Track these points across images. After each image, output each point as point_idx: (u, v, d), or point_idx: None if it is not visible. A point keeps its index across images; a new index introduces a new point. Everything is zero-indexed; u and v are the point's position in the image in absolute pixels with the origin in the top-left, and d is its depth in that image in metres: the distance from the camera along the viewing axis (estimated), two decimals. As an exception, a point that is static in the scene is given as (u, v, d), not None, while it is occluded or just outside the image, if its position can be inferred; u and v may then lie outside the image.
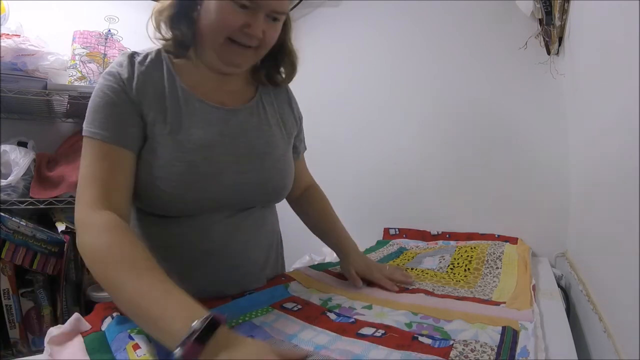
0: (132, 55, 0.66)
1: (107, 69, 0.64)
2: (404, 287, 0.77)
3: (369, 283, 0.80)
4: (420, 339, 0.53)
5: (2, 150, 1.13)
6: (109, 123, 0.60)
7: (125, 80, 0.62)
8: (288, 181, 0.75)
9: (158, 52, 0.69)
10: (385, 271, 0.80)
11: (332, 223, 0.87)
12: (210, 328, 0.40)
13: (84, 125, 0.61)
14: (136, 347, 0.44)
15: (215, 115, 0.67)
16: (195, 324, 0.40)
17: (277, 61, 0.76)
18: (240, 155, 0.67)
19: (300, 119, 0.86)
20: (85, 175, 0.58)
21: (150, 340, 0.46)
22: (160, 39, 0.67)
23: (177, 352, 0.38)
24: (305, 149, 0.90)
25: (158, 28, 0.67)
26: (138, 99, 0.62)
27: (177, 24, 0.65)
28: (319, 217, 0.88)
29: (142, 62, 0.65)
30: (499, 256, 0.92)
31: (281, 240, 0.85)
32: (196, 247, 0.66)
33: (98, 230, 0.52)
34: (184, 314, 0.42)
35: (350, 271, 0.79)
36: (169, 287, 0.46)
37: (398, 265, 0.98)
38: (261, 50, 0.67)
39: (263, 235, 0.76)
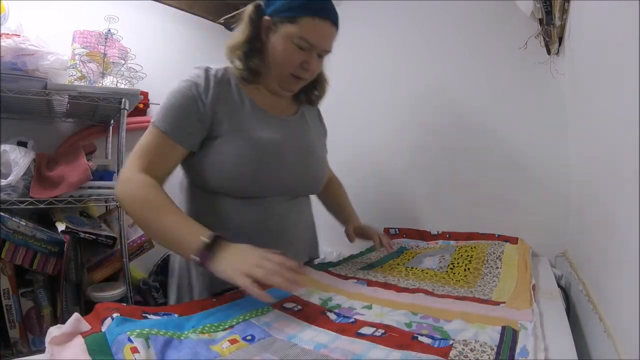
0: (207, 70, 0.82)
1: (186, 77, 0.80)
2: (400, 287, 0.77)
3: (369, 283, 0.80)
4: (420, 338, 0.53)
5: (2, 150, 1.12)
6: (173, 120, 0.76)
7: (202, 90, 0.79)
8: (326, 175, 0.98)
9: (226, 70, 0.84)
10: (376, 232, 1.01)
11: (342, 200, 1.12)
12: (214, 241, 0.63)
13: (155, 115, 0.78)
14: (134, 350, 0.44)
15: (275, 121, 0.86)
16: (203, 239, 0.63)
17: (315, 86, 0.96)
18: (296, 152, 0.86)
19: (326, 131, 1.08)
20: (141, 147, 0.76)
21: (149, 345, 0.46)
22: (237, 69, 0.84)
23: (194, 258, 0.62)
24: (327, 152, 1.07)
25: (232, 61, 0.84)
26: (212, 106, 0.79)
27: (250, 59, 0.83)
28: (331, 197, 1.11)
29: (216, 75, 0.82)
30: (499, 256, 0.93)
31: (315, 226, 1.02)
32: (261, 224, 0.83)
33: (138, 185, 0.72)
34: (196, 235, 0.64)
35: (348, 230, 1.02)
36: (186, 219, 0.69)
37: (398, 264, 0.98)
38: (308, 79, 0.88)
39: (307, 219, 0.96)
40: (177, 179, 0.92)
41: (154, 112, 0.80)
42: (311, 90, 0.96)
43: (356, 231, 1.01)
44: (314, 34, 0.80)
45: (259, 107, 0.84)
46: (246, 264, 0.60)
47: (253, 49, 0.83)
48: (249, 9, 0.85)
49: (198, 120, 0.77)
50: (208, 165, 0.79)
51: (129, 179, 0.73)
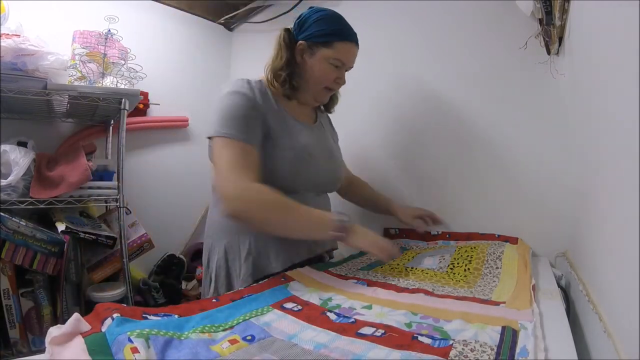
0: (249, 81, 0.94)
1: (232, 89, 0.90)
2: (400, 287, 0.77)
3: (369, 283, 0.80)
4: (420, 338, 0.53)
5: (2, 150, 1.12)
6: (241, 128, 0.86)
7: (252, 99, 0.90)
8: (343, 175, 1.15)
9: (261, 83, 0.97)
10: (416, 212, 1.16)
11: (378, 198, 1.26)
12: (346, 221, 0.82)
13: (220, 128, 0.86)
14: (134, 350, 0.44)
15: (305, 129, 1.01)
16: (341, 218, 0.83)
17: (332, 97, 1.11)
18: (322, 154, 1.02)
19: (337, 134, 1.23)
20: (228, 162, 0.83)
21: (149, 345, 0.46)
22: (279, 88, 0.97)
23: (334, 234, 0.81)
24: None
25: (273, 83, 0.97)
26: (263, 111, 0.91)
27: (292, 79, 0.97)
28: (368, 197, 1.28)
29: (257, 87, 0.94)
30: (499, 256, 0.92)
31: None
32: None
33: (261, 191, 0.82)
34: (329, 218, 0.84)
35: (404, 216, 1.17)
36: (313, 209, 0.85)
37: (398, 264, 0.98)
38: (336, 90, 1.08)
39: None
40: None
41: (213, 125, 0.88)
42: (328, 100, 1.12)
43: (411, 214, 1.16)
44: (346, 55, 0.98)
45: (291, 116, 0.99)
46: (375, 239, 0.86)
47: (293, 71, 0.97)
48: (281, 34, 0.99)
49: (257, 124, 0.90)
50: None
51: (246, 188, 0.81)
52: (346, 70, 1.03)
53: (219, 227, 0.97)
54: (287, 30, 1.00)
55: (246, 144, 0.85)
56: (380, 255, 0.84)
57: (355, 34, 1.00)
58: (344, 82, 1.04)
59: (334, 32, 0.96)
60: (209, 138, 0.90)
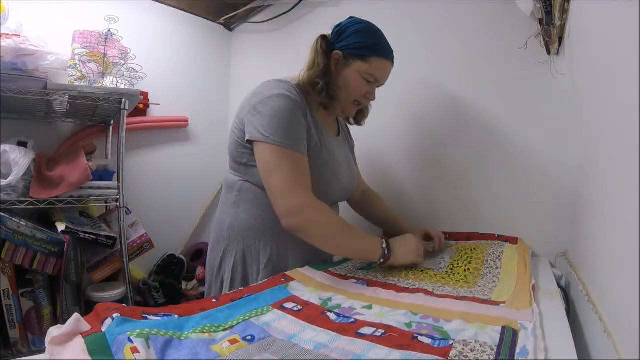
0: (291, 84, 0.92)
1: (280, 92, 0.88)
2: (400, 287, 0.78)
3: (369, 283, 0.80)
4: (420, 338, 0.53)
5: (2, 150, 1.12)
6: (294, 135, 0.86)
7: (301, 104, 0.89)
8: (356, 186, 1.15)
9: (298, 86, 0.94)
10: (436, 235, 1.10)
11: (394, 218, 1.20)
12: (388, 244, 0.88)
13: (273, 136, 0.84)
14: (134, 350, 0.44)
15: (333, 140, 1.02)
16: (383, 245, 0.87)
17: (362, 110, 1.10)
18: (345, 168, 1.04)
19: (353, 142, 1.22)
20: (288, 175, 0.83)
21: (149, 345, 0.46)
22: (317, 97, 0.95)
23: (380, 260, 0.87)
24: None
25: (308, 91, 0.95)
26: (308, 119, 0.91)
27: (330, 88, 0.96)
28: (382, 215, 1.22)
29: (297, 92, 0.91)
30: (499, 256, 0.92)
31: None
32: None
33: (328, 212, 0.87)
34: (377, 244, 0.88)
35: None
36: (364, 236, 0.90)
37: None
38: (364, 105, 1.06)
39: None
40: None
41: (260, 129, 0.85)
42: (359, 113, 1.11)
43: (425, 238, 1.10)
44: (380, 71, 0.96)
45: (321, 125, 0.98)
46: (412, 250, 0.90)
47: (331, 83, 0.95)
48: (318, 40, 0.96)
49: (306, 133, 0.90)
50: None
51: (309, 205, 0.84)
52: (377, 87, 1.01)
53: (238, 229, 0.94)
54: (323, 37, 0.97)
55: (302, 155, 0.86)
56: (418, 260, 0.90)
57: (392, 52, 0.98)
58: (373, 98, 1.01)
59: (371, 46, 0.94)
60: (252, 141, 0.87)
